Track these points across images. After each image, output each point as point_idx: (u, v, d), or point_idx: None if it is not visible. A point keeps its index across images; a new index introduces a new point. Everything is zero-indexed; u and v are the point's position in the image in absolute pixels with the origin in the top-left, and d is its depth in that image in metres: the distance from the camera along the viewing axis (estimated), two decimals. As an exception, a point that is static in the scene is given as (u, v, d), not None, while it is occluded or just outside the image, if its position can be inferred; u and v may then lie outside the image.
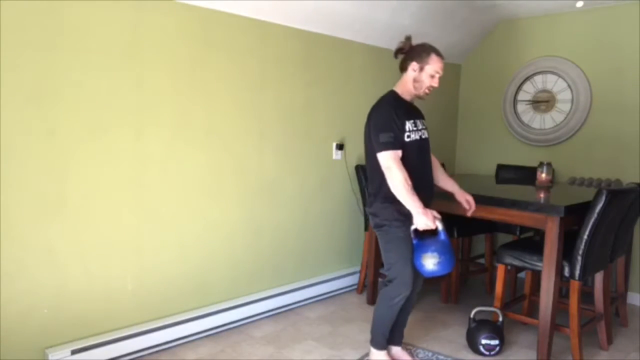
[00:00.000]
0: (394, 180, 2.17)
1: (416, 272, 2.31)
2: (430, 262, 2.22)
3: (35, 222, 2.13)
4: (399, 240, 2.29)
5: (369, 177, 2.41)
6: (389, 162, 2.18)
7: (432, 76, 2.29)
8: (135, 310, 2.50)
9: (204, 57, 2.64)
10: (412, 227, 2.24)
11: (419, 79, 2.30)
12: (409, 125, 2.26)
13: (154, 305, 2.58)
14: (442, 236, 2.24)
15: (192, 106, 2.62)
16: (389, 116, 2.22)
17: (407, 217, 2.23)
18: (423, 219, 2.17)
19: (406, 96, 2.34)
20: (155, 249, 2.55)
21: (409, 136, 2.24)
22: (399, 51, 2.37)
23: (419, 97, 2.35)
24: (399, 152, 2.20)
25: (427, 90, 2.32)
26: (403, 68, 2.35)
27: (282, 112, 3.08)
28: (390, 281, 2.36)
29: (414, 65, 2.29)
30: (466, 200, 2.55)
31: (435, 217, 2.21)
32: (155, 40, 2.43)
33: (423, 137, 2.33)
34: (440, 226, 2.23)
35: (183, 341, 2.64)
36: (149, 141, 2.46)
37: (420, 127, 2.33)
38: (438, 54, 2.31)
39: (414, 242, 2.27)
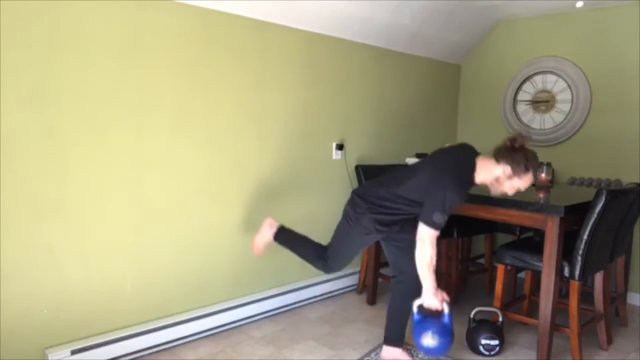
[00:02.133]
0: (424, 254, 2.16)
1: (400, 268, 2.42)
2: (430, 343, 2.26)
3: (35, 222, 2.13)
4: (357, 242, 2.41)
5: (384, 183, 2.36)
6: (427, 237, 2.15)
7: (513, 188, 2.19)
8: (135, 310, 2.50)
9: (204, 57, 2.64)
10: (418, 302, 2.27)
11: (501, 183, 2.18)
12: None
13: (154, 305, 2.58)
14: (447, 319, 2.27)
15: (192, 106, 2.62)
16: (454, 201, 2.13)
17: (374, 230, 2.31)
18: (432, 300, 2.21)
19: (479, 179, 2.22)
20: (155, 249, 2.55)
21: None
22: (512, 141, 2.17)
23: (485, 187, 2.26)
24: (438, 233, 2.17)
25: (498, 193, 2.24)
26: (497, 157, 2.17)
27: (282, 112, 3.08)
28: (326, 256, 2.49)
29: (507, 169, 2.14)
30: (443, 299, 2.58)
31: (444, 299, 2.24)
32: (155, 40, 2.43)
33: None
34: (446, 309, 2.26)
35: (183, 341, 2.64)
36: (148, 141, 2.46)
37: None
38: (535, 172, 2.18)
39: (416, 316, 2.30)
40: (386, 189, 2.31)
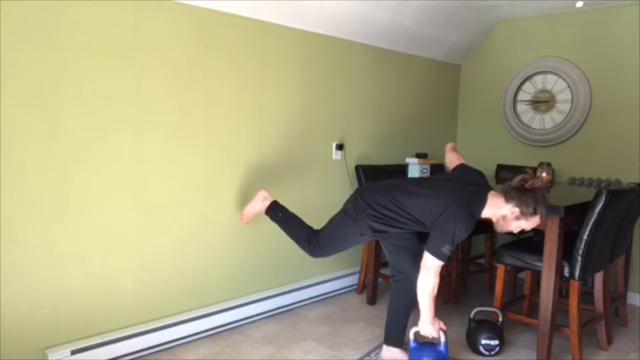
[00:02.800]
0: (426, 283, 2.15)
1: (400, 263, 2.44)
2: None
3: (35, 222, 2.13)
4: (351, 237, 2.42)
5: (390, 193, 2.32)
6: (433, 267, 2.14)
7: (519, 227, 2.16)
8: (135, 311, 2.50)
9: (204, 57, 2.64)
10: (414, 330, 2.28)
11: (508, 222, 2.15)
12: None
13: (154, 305, 2.58)
14: (442, 347, 2.28)
15: (192, 106, 2.62)
16: (462, 235, 2.10)
17: (370, 232, 2.32)
18: (429, 328, 2.22)
19: (485, 214, 2.19)
20: (155, 249, 2.55)
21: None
22: (523, 181, 2.13)
23: (489, 221, 2.25)
24: (443, 263, 2.16)
25: (502, 230, 2.22)
26: (506, 195, 2.14)
27: (282, 112, 3.08)
28: (316, 240, 2.52)
29: (515, 211, 2.11)
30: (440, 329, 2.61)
31: (440, 329, 2.24)
32: (155, 40, 2.43)
33: None
34: (443, 338, 2.26)
35: (183, 341, 2.64)
36: (148, 141, 2.46)
37: None
38: (543, 216, 2.13)
39: (412, 344, 2.31)
40: (394, 202, 2.26)
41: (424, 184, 2.33)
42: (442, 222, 2.12)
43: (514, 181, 2.16)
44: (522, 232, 3.52)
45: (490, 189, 2.25)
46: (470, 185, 2.26)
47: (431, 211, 2.18)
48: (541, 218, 2.13)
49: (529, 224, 2.14)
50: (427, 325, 2.21)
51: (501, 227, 2.21)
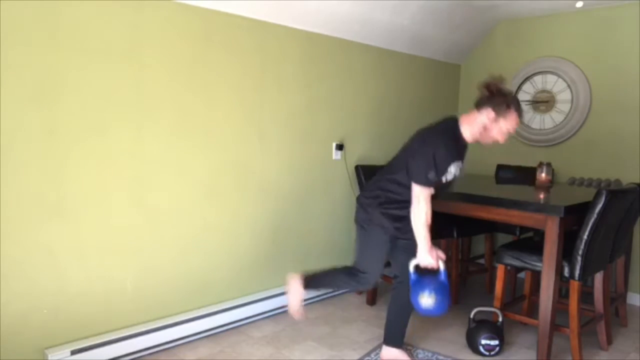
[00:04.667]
0: (419, 213, 2.17)
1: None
2: (427, 302, 2.24)
3: (34, 222, 2.13)
4: (379, 244, 2.36)
5: (382, 174, 2.37)
6: (421, 195, 2.17)
7: (503, 132, 2.20)
8: (135, 311, 2.50)
9: (204, 57, 2.64)
10: (414, 262, 2.27)
11: (489, 129, 2.20)
12: (453, 168, 2.21)
13: (154, 305, 2.58)
14: (442, 277, 2.27)
15: (192, 106, 2.62)
16: (442, 156, 2.14)
17: (391, 228, 2.30)
18: (427, 258, 2.22)
19: (467, 134, 2.24)
20: (155, 249, 2.55)
21: (446, 178, 2.23)
22: (485, 87, 2.22)
23: (478, 142, 2.28)
24: (432, 190, 2.19)
25: (489, 142, 2.25)
26: (478, 107, 2.22)
27: (282, 113, 3.08)
28: (360, 271, 2.41)
29: (490, 113, 2.17)
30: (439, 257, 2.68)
31: (439, 257, 2.24)
32: (155, 40, 2.43)
33: (456, 175, 2.29)
34: (442, 267, 2.26)
35: (183, 341, 2.64)
36: (148, 141, 2.46)
37: (460, 168, 2.28)
38: (519, 111, 2.19)
39: (413, 276, 2.30)
40: (385, 178, 2.33)
41: (399, 153, 2.39)
42: (420, 151, 2.18)
43: (480, 92, 2.23)
44: (522, 231, 3.54)
45: (457, 115, 2.32)
46: (435, 124, 2.32)
47: (409, 158, 2.23)
48: (517, 113, 2.17)
49: (507, 122, 2.17)
50: (426, 255, 2.20)
51: (486, 138, 2.25)
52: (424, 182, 2.16)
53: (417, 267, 2.28)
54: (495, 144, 2.30)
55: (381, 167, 3.50)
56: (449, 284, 2.30)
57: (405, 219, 2.32)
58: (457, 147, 2.22)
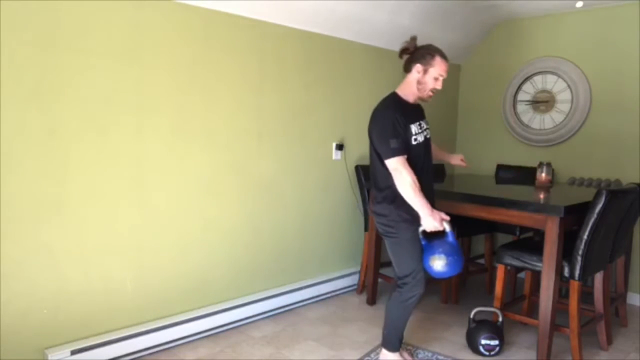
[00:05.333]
0: (403, 183, 2.18)
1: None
2: (438, 264, 2.24)
3: (34, 222, 2.13)
4: (408, 242, 2.31)
5: (373, 178, 2.40)
6: (398, 166, 2.18)
7: (436, 79, 2.27)
8: (135, 311, 2.50)
9: (204, 57, 2.64)
10: (420, 229, 2.26)
11: (423, 81, 2.27)
12: (414, 128, 2.26)
13: (154, 305, 2.58)
14: (450, 237, 2.26)
15: (192, 106, 2.62)
16: (394, 121, 2.20)
17: (414, 217, 2.25)
18: (431, 221, 2.20)
19: (409, 98, 2.32)
20: (155, 249, 2.55)
21: (415, 139, 2.25)
22: (403, 51, 2.33)
23: (422, 99, 2.34)
24: (406, 156, 2.20)
25: (430, 93, 2.30)
26: (407, 69, 2.32)
27: (282, 112, 3.08)
28: (404, 282, 2.34)
29: (418, 67, 2.27)
30: (461, 159, 2.84)
31: (442, 219, 2.23)
32: (155, 40, 2.43)
33: (427, 136, 2.35)
34: (447, 228, 2.25)
35: (183, 341, 2.64)
36: (148, 141, 2.46)
37: (424, 128, 2.33)
38: (443, 56, 2.28)
39: (422, 243, 2.29)
40: (378, 176, 2.34)
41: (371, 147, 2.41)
42: (376, 129, 2.26)
43: (400, 54, 2.34)
44: (522, 231, 3.53)
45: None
46: (377, 105, 2.36)
47: (372, 141, 2.30)
48: (441, 56, 2.27)
49: (437, 68, 2.25)
50: (428, 219, 2.19)
51: (423, 92, 2.30)
52: (391, 153, 2.18)
53: (424, 233, 2.27)
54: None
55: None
56: (458, 243, 2.29)
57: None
58: (403, 109, 2.27)
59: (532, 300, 3.05)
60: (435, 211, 2.22)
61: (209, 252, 2.80)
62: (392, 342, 2.45)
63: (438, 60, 2.26)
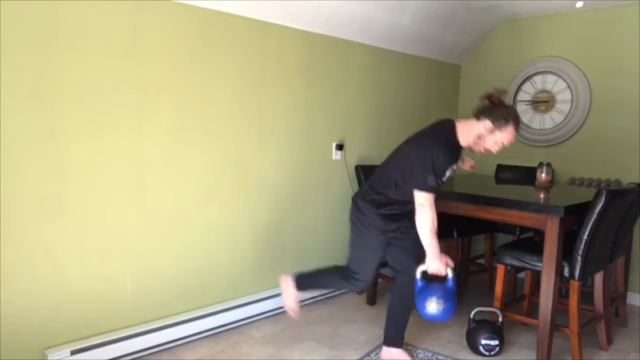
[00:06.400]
0: (424, 220, 2.18)
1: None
2: (434, 308, 2.25)
3: (34, 223, 2.13)
4: (368, 247, 2.38)
5: (376, 177, 2.39)
6: (425, 202, 2.17)
7: (496, 143, 2.21)
8: (134, 311, 2.50)
9: (204, 57, 2.64)
10: (422, 268, 2.27)
11: (484, 139, 2.22)
12: (449, 170, 2.24)
13: (154, 305, 2.58)
14: (450, 283, 2.27)
15: (191, 106, 2.62)
16: (441, 162, 2.16)
17: (386, 230, 2.32)
18: (436, 264, 2.22)
19: (462, 141, 2.26)
20: (155, 250, 2.55)
21: (444, 179, 2.25)
22: (488, 97, 2.24)
23: (471, 150, 2.30)
24: (434, 195, 2.19)
25: (482, 151, 2.26)
26: (477, 116, 2.23)
27: (282, 113, 3.08)
28: (353, 272, 2.42)
29: (487, 124, 2.19)
30: (471, 166, 2.77)
31: (447, 264, 2.24)
32: (154, 40, 2.43)
33: (450, 175, 2.32)
34: (450, 273, 2.26)
35: (183, 342, 2.64)
36: (148, 141, 2.46)
37: (454, 169, 2.31)
38: (517, 127, 2.20)
39: (420, 283, 2.30)
40: (378, 179, 2.34)
41: (393, 155, 2.39)
42: (417, 159, 2.19)
43: (481, 101, 2.25)
44: (522, 231, 3.54)
45: (454, 119, 2.32)
46: (431, 126, 2.33)
47: (406, 161, 2.24)
48: (515, 128, 2.19)
49: (504, 135, 2.19)
50: (434, 261, 2.21)
51: (479, 147, 2.26)
52: (426, 188, 2.16)
53: (424, 273, 2.28)
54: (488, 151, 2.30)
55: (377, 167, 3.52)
56: (456, 289, 2.30)
57: (405, 217, 2.33)
58: (453, 150, 2.24)
59: (532, 300, 3.05)
60: (442, 255, 2.23)
61: (209, 252, 2.80)
62: (397, 338, 2.50)
63: (510, 129, 2.19)
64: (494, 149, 2.23)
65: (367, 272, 2.42)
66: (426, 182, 2.15)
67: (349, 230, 2.46)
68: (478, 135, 2.22)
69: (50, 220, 2.17)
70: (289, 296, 2.60)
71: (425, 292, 2.27)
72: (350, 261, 2.45)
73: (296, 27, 3.07)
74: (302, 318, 3.08)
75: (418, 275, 2.29)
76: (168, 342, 2.57)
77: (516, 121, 2.20)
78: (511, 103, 2.20)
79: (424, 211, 2.17)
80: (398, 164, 2.29)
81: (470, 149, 2.29)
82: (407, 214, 2.32)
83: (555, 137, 3.95)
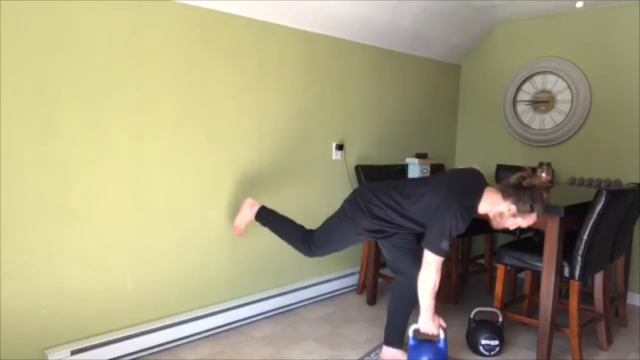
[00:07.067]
0: (428, 280, 2.16)
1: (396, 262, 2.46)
2: None
3: (35, 223, 2.13)
4: (344, 238, 2.45)
5: (378, 187, 2.38)
6: (433, 262, 2.15)
7: (515, 224, 2.18)
8: (135, 311, 2.50)
9: (203, 57, 2.64)
10: (414, 327, 2.29)
11: (505, 219, 2.18)
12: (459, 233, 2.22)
13: (154, 305, 2.58)
14: (442, 344, 2.29)
15: (192, 106, 2.62)
16: (459, 229, 2.13)
17: (361, 228, 2.34)
18: (429, 325, 2.22)
19: (481, 209, 2.22)
20: (155, 249, 2.55)
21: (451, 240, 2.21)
22: (521, 179, 2.15)
23: (489, 222, 2.27)
24: (443, 259, 2.18)
25: (500, 227, 2.24)
26: (504, 193, 2.15)
27: (282, 113, 3.08)
28: (313, 243, 2.50)
29: (511, 207, 2.14)
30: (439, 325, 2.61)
31: (440, 326, 2.26)
32: (155, 40, 2.43)
33: None
34: (442, 334, 2.27)
35: (183, 342, 2.64)
36: (148, 142, 2.46)
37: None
38: (540, 213, 2.15)
39: (412, 341, 2.32)
40: (392, 203, 2.29)
41: (421, 184, 2.35)
42: (437, 218, 2.15)
43: (512, 178, 2.17)
44: (522, 231, 3.54)
45: (486, 185, 2.27)
46: (465, 181, 2.28)
47: (427, 209, 2.20)
48: (538, 216, 2.15)
49: (525, 221, 2.17)
50: (427, 322, 2.21)
51: (497, 224, 2.23)
52: (438, 251, 2.14)
53: (416, 331, 2.30)
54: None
55: (382, 168, 3.52)
56: (447, 352, 2.33)
57: (388, 233, 2.38)
58: (470, 216, 2.19)
59: (532, 300, 3.05)
60: (436, 316, 2.24)
61: (209, 252, 2.80)
62: (396, 337, 2.49)
63: (533, 216, 2.14)
64: (512, 228, 2.21)
65: (326, 249, 2.52)
66: (440, 247, 2.13)
67: (339, 208, 2.47)
68: (500, 213, 2.18)
69: (50, 220, 2.17)
70: (244, 217, 2.70)
71: (417, 351, 2.30)
72: (319, 231, 2.51)
73: (296, 27, 3.07)
74: (302, 318, 3.08)
75: (410, 333, 2.32)
76: (168, 342, 2.57)
77: (540, 209, 2.13)
78: (540, 188, 2.17)
79: (430, 271, 2.15)
80: (418, 204, 2.23)
81: (488, 221, 2.26)
82: (396, 232, 2.38)
83: (555, 137, 3.95)
